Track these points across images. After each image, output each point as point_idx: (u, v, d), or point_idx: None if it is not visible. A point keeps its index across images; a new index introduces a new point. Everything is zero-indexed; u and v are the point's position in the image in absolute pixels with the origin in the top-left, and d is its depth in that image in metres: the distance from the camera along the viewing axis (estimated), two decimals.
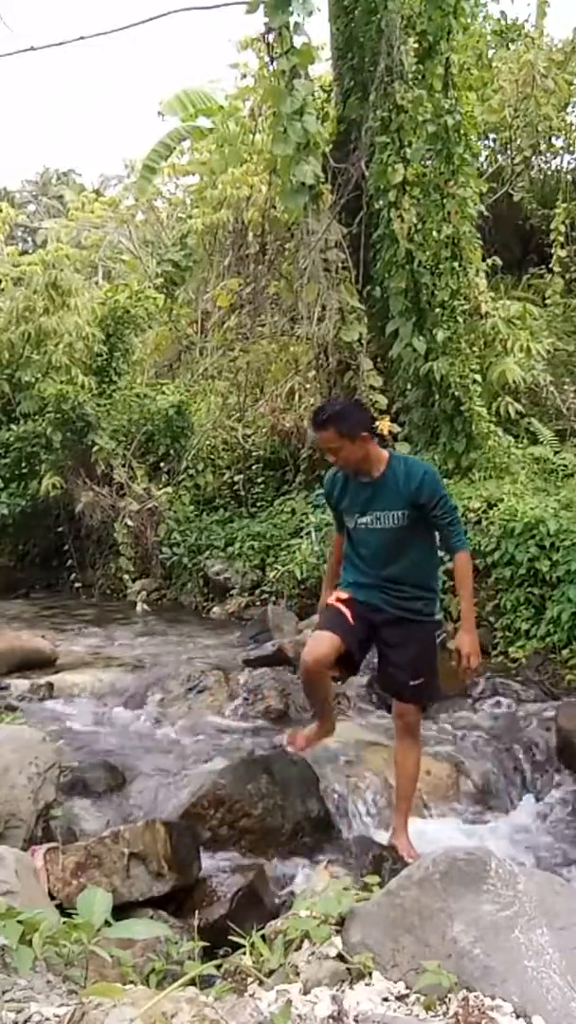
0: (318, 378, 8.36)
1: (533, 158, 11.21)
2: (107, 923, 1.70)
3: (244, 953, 1.88)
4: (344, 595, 3.39)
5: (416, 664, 3.39)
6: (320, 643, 3.25)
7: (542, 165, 11.62)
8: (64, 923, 1.81)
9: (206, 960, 2.09)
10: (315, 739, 3.62)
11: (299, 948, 1.77)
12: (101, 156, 57.70)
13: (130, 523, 8.72)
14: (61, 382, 9.32)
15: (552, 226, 9.75)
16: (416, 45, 7.32)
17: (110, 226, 14.45)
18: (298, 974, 1.66)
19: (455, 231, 7.09)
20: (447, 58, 7.06)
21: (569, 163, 11.52)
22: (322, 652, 3.22)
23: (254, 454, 9.33)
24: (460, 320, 7.11)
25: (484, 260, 7.51)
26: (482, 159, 10.49)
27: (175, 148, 12.49)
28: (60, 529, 9.52)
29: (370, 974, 1.65)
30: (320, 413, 3.34)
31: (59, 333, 9.71)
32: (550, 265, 9.80)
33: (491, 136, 11.08)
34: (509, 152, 11.09)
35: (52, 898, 2.71)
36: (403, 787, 3.54)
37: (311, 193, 7.25)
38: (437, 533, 3.41)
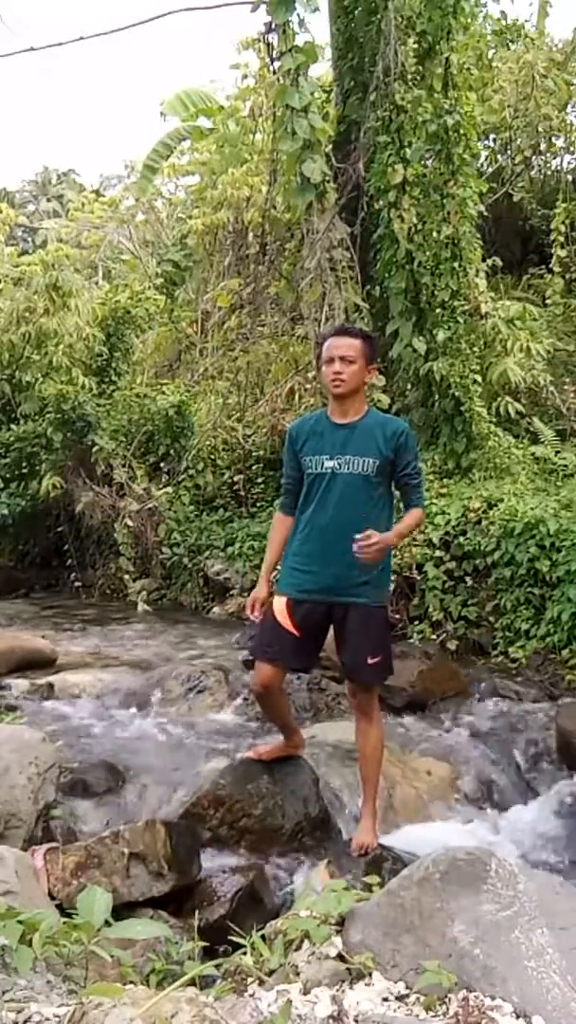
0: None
1: (533, 158, 11.19)
2: (107, 923, 1.70)
3: (244, 953, 1.88)
4: (282, 605, 3.35)
5: (371, 646, 3.31)
6: (261, 672, 3.44)
7: (542, 165, 11.62)
8: (64, 923, 1.82)
9: (206, 960, 2.10)
10: (279, 753, 3.69)
11: (299, 948, 1.77)
12: (101, 156, 57.73)
13: (130, 523, 8.71)
14: (61, 382, 9.31)
15: (552, 226, 9.73)
16: (416, 45, 7.32)
17: (110, 226, 14.45)
18: (298, 974, 1.66)
19: (455, 231, 7.08)
20: (447, 58, 7.05)
21: (569, 163, 11.52)
22: (265, 679, 3.43)
23: (254, 454, 9.32)
24: (460, 320, 7.11)
25: (484, 260, 7.50)
26: (482, 159, 10.49)
27: (175, 148, 12.50)
28: (60, 529, 9.51)
29: (370, 974, 1.65)
30: (353, 327, 3.44)
31: (59, 334, 9.71)
32: (550, 265, 9.78)
33: (491, 136, 11.06)
34: (509, 152, 11.08)
35: (52, 898, 2.71)
36: (363, 769, 3.49)
37: (317, 191, 7.25)
38: (399, 493, 3.34)
